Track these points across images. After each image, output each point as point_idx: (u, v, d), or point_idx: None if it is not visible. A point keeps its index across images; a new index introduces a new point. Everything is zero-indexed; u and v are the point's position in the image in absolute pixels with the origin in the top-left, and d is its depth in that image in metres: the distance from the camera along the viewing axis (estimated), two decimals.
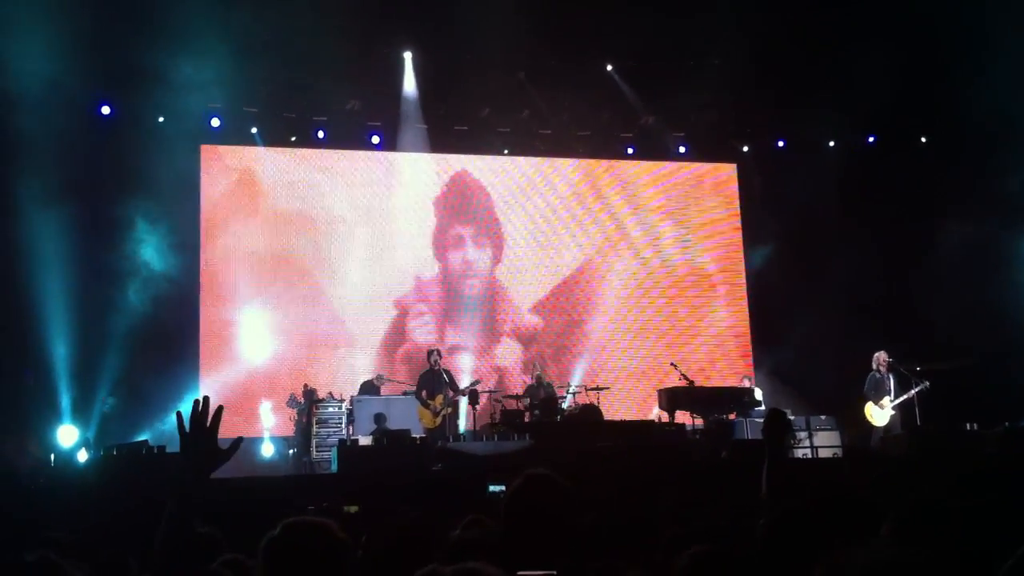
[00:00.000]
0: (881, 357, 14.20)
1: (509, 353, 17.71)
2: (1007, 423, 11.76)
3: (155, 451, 10.47)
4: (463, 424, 15.11)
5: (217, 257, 16.69)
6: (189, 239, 16.23)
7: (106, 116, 16.03)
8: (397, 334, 17.30)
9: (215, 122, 16.68)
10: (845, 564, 1.65)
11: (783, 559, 2.89)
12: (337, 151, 17.59)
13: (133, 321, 15.10)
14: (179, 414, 2.81)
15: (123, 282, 15.21)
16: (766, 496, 3.78)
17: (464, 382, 15.29)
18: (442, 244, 17.90)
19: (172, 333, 15.68)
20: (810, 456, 13.94)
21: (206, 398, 2.82)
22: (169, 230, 15.56)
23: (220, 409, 2.80)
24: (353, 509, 7.74)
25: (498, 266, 18.09)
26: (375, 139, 17.66)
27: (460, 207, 18.09)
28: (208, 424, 2.79)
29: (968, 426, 11.99)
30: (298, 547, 2.78)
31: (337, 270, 17.17)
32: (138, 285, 15.25)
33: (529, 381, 15.70)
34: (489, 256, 18.07)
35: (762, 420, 4.80)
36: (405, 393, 14.93)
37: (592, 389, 15.37)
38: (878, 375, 14.21)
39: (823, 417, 14.93)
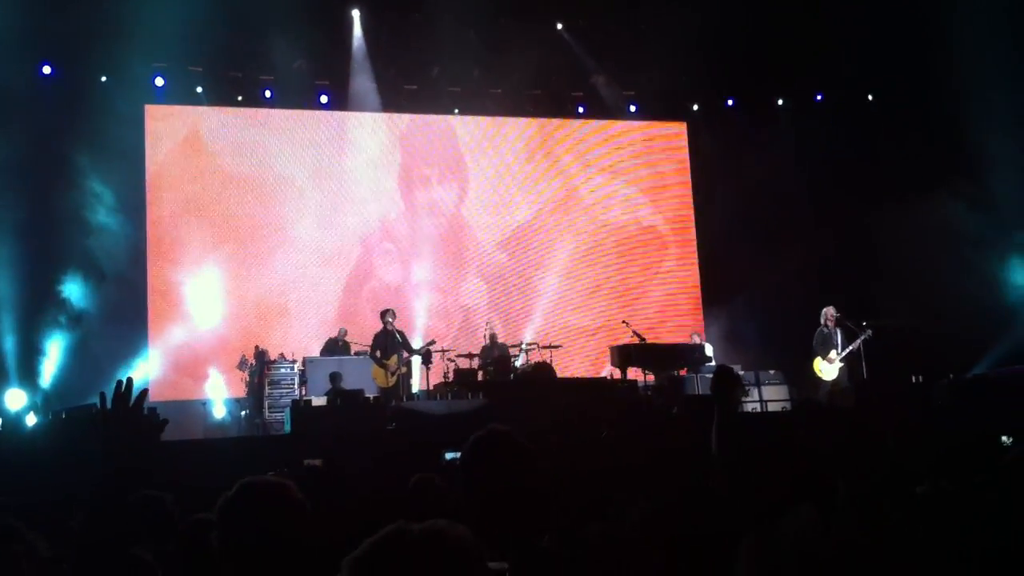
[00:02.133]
0: (829, 312, 14.40)
1: (475, 291, 17.78)
2: (951, 375, 12.01)
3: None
4: (417, 384, 15.12)
5: (164, 218, 16.46)
6: (135, 200, 15.99)
7: (47, 76, 15.67)
8: (362, 273, 17.24)
9: (159, 81, 16.39)
10: (772, 537, 1.69)
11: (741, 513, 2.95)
12: (285, 111, 17.37)
13: (79, 283, 14.91)
14: (102, 394, 2.76)
15: (69, 245, 14.98)
16: (716, 451, 3.83)
17: (418, 343, 15.29)
18: (407, 183, 17.81)
19: (120, 295, 15.45)
20: (759, 410, 14.18)
21: (129, 379, 2.79)
22: (114, 191, 15.32)
23: (144, 392, 2.77)
24: (316, 462, 7.74)
25: (463, 206, 18.08)
26: (323, 98, 17.46)
27: (424, 148, 18.01)
28: (132, 404, 2.75)
29: (914, 379, 12.23)
30: (255, 507, 2.77)
31: (288, 231, 17.02)
32: (84, 247, 15.03)
33: (483, 342, 15.73)
34: (455, 194, 18.05)
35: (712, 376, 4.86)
36: (358, 354, 14.90)
37: (545, 347, 15.46)
38: (826, 330, 14.42)
39: (772, 372, 15.17)
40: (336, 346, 15.37)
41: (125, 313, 15.55)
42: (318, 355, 15.16)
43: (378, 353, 14.27)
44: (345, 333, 15.56)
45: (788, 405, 14.39)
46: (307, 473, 6.91)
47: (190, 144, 16.83)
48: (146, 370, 15.60)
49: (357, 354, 14.92)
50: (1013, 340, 14.85)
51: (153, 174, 16.52)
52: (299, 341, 16.17)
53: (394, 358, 14.23)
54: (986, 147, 15.57)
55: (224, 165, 16.91)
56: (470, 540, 1.86)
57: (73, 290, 14.90)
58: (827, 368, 14.25)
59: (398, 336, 14.40)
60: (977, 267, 15.91)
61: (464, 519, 2.52)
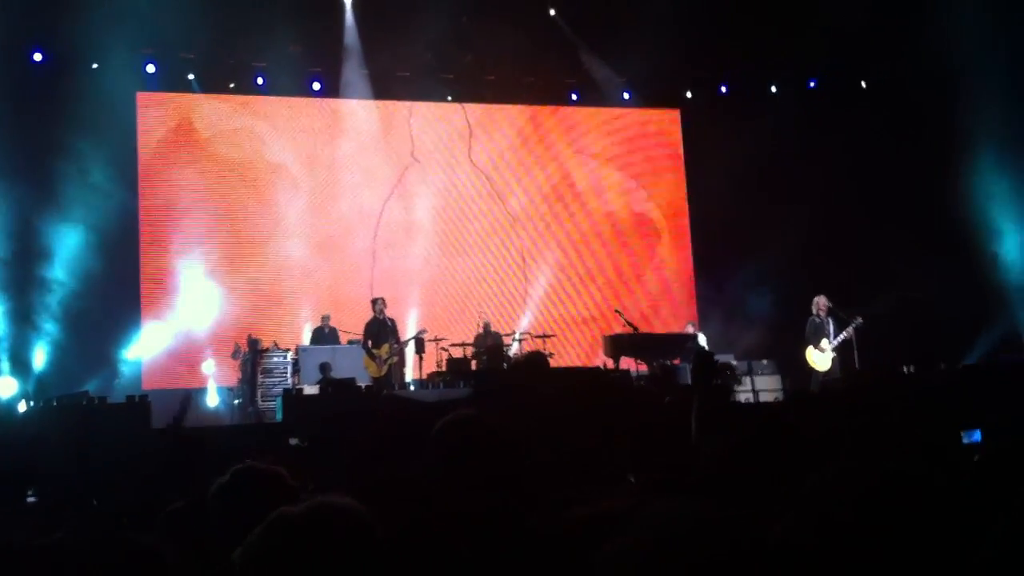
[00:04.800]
0: (821, 302, 14.38)
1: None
2: (943, 364, 12.01)
3: (95, 402, 10.37)
4: (410, 374, 15.11)
5: (157, 206, 16.42)
6: (127, 187, 15.93)
7: (38, 63, 15.59)
8: (355, 262, 17.25)
9: (151, 68, 16.32)
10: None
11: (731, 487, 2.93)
12: (277, 98, 17.31)
13: (71, 271, 14.86)
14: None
15: (60, 231, 14.92)
16: (696, 438, 3.83)
17: (410, 332, 15.27)
18: (400, 170, 17.81)
19: (112, 283, 15.42)
20: (752, 400, 14.17)
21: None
22: (106, 178, 15.26)
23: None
24: (298, 442, 7.75)
25: (456, 193, 18.08)
26: (316, 85, 17.40)
27: (417, 135, 18.00)
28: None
29: (906, 369, 12.23)
30: (248, 493, 2.78)
31: (281, 219, 16.98)
32: (76, 234, 14.98)
33: (477, 331, 15.73)
34: (448, 182, 18.04)
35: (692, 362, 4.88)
36: (351, 343, 14.89)
37: (538, 336, 15.46)
38: (817, 320, 14.41)
39: (764, 362, 15.17)
40: (324, 334, 15.35)
41: (117, 300, 15.54)
42: (310, 344, 15.15)
43: (369, 342, 14.24)
44: (328, 319, 15.53)
45: (780, 395, 14.38)
46: (291, 453, 6.92)
47: (183, 131, 16.78)
48: (138, 355, 15.61)
49: (350, 343, 14.90)
50: (1006, 326, 14.86)
51: (145, 162, 16.46)
52: (293, 329, 16.15)
53: (385, 347, 14.19)
54: (978, 131, 15.57)
55: (217, 152, 16.87)
56: (355, 513, 1.85)
57: (64, 278, 14.85)
58: (820, 358, 14.25)
59: (389, 324, 14.37)
60: (970, 251, 15.92)
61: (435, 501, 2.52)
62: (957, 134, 15.77)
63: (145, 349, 15.81)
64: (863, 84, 19.09)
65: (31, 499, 7.40)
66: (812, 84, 19.21)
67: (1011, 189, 15.71)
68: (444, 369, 14.22)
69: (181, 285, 16.21)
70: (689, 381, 13.79)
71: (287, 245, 16.91)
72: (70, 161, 14.84)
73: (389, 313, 14.46)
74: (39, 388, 14.17)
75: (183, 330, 16.01)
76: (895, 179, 16.13)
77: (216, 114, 17.01)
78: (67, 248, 14.92)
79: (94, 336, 14.94)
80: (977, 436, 5.52)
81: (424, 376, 14.47)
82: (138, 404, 10.36)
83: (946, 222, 15.99)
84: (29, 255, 14.71)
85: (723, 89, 19.11)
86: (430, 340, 14.81)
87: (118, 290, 15.59)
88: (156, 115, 16.68)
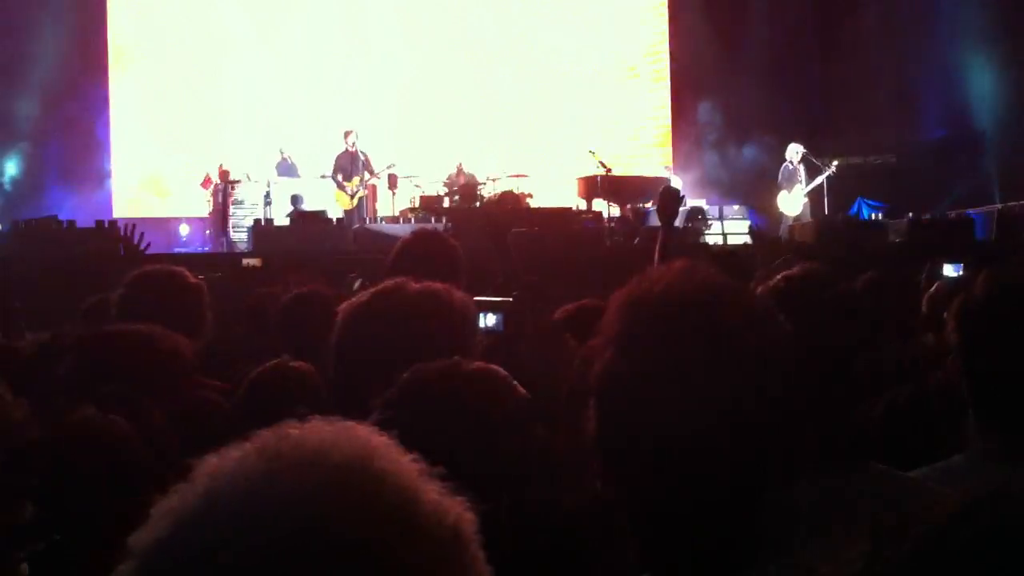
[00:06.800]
0: (794, 148, 14.40)
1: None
2: (911, 214, 12.12)
3: (64, 225, 10.35)
4: (382, 210, 15.07)
5: (125, 29, 16.07)
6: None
7: None
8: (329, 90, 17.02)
9: None
10: None
11: None
12: None
13: (34, 97, 14.58)
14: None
15: (22, 55, 14.53)
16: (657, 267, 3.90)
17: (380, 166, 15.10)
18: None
19: (79, 108, 15.19)
20: (721, 243, 14.29)
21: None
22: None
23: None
24: (254, 262, 7.80)
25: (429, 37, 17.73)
26: None
27: None
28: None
29: (873, 216, 12.36)
30: (148, 293, 2.87)
31: (247, 43, 16.64)
32: (37, 57, 14.60)
33: (450, 171, 15.61)
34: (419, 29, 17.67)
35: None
36: (323, 176, 14.78)
37: (512, 176, 15.37)
38: (791, 167, 14.45)
39: (736, 206, 15.20)
40: (288, 166, 15.25)
41: (85, 126, 15.32)
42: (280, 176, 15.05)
43: (339, 176, 14.13)
44: (283, 153, 15.39)
45: (749, 240, 14.48)
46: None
47: None
48: (109, 186, 15.55)
49: (323, 176, 14.78)
50: (978, 176, 14.84)
51: None
52: (264, 161, 15.99)
53: (355, 180, 14.07)
54: None
55: None
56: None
57: (29, 103, 14.59)
58: (790, 203, 14.34)
59: (361, 156, 14.22)
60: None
61: None
62: None
63: (115, 177, 15.73)
64: None
65: None
66: None
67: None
68: (417, 206, 14.19)
69: (151, 111, 16.04)
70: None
71: (251, 72, 16.59)
72: None
73: (361, 146, 14.31)
74: (5, 211, 14.11)
75: (153, 158, 15.91)
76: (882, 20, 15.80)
77: None
78: (30, 72, 14.57)
79: (61, 162, 14.83)
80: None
81: (397, 213, 14.44)
82: (108, 229, 10.36)
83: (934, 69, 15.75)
84: None
85: None
86: (403, 177, 14.71)
87: (85, 115, 15.37)
88: None
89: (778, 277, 2.04)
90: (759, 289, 2.05)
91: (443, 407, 1.47)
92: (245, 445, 0.81)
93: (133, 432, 1.87)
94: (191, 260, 10.70)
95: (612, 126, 18.38)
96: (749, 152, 16.59)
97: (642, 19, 18.88)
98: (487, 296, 3.21)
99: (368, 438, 0.82)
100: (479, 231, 9.41)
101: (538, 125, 17.97)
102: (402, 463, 0.81)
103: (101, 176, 15.63)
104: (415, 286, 1.95)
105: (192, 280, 2.99)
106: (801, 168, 14.31)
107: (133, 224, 4.12)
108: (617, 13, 18.69)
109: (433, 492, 0.81)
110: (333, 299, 3.68)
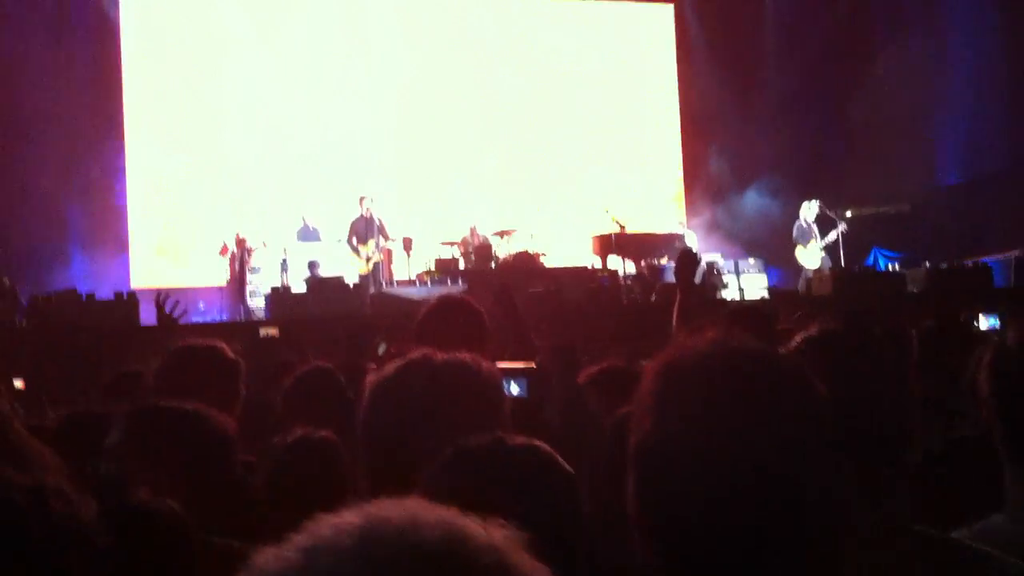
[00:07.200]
0: (808, 206, 14.42)
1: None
2: (927, 263, 12.11)
3: (83, 299, 10.45)
4: (399, 275, 15.11)
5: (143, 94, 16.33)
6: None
7: None
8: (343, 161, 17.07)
9: None
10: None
11: None
12: None
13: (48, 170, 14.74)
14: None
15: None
16: (677, 328, 3.91)
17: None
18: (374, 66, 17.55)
19: (96, 174, 15.41)
20: (738, 299, 14.26)
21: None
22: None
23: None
24: (272, 332, 7.80)
25: (440, 89, 17.77)
26: None
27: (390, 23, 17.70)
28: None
29: (890, 267, 12.33)
30: (188, 367, 2.88)
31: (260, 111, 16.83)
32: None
33: (464, 233, 15.66)
34: (430, 80, 17.73)
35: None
36: (339, 241, 14.85)
37: (527, 236, 15.40)
38: (804, 224, 14.46)
39: (751, 260, 15.20)
40: (309, 232, 15.33)
41: (101, 193, 15.52)
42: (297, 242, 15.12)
43: (354, 240, 14.19)
44: (303, 220, 15.48)
45: (767, 294, 14.48)
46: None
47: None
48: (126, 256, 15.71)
49: (339, 241, 14.84)
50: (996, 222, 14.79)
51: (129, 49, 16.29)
52: (280, 228, 16.07)
53: (370, 243, 14.12)
54: None
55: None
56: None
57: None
58: (807, 256, 14.33)
59: (376, 221, 14.29)
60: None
61: None
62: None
63: (133, 247, 15.89)
64: None
65: None
66: None
67: None
68: (433, 269, 14.24)
69: (169, 179, 16.22)
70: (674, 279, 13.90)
71: (269, 140, 16.76)
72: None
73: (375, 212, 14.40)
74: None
75: (170, 226, 16.07)
76: (892, 72, 15.92)
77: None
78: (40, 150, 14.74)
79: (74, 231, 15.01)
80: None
81: (413, 277, 14.49)
82: (127, 301, 10.49)
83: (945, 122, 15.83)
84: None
85: None
86: (420, 239, 14.77)
87: (102, 182, 15.56)
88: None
89: (798, 339, 2.03)
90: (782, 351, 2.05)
91: (491, 484, 1.47)
92: (332, 521, 0.79)
93: (186, 517, 1.87)
94: (207, 330, 10.76)
95: (625, 181, 18.33)
96: (763, 202, 16.61)
97: (653, 71, 19.04)
98: (505, 360, 3.22)
99: (451, 513, 0.81)
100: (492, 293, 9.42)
101: (548, 177, 17.93)
102: (493, 532, 0.80)
103: (119, 243, 15.79)
104: (442, 357, 1.95)
105: (231, 356, 3.01)
106: (815, 226, 14.28)
107: (167, 293, 4.13)
108: (628, 66, 18.81)
109: (526, 558, 0.80)
110: (346, 370, 3.72)
